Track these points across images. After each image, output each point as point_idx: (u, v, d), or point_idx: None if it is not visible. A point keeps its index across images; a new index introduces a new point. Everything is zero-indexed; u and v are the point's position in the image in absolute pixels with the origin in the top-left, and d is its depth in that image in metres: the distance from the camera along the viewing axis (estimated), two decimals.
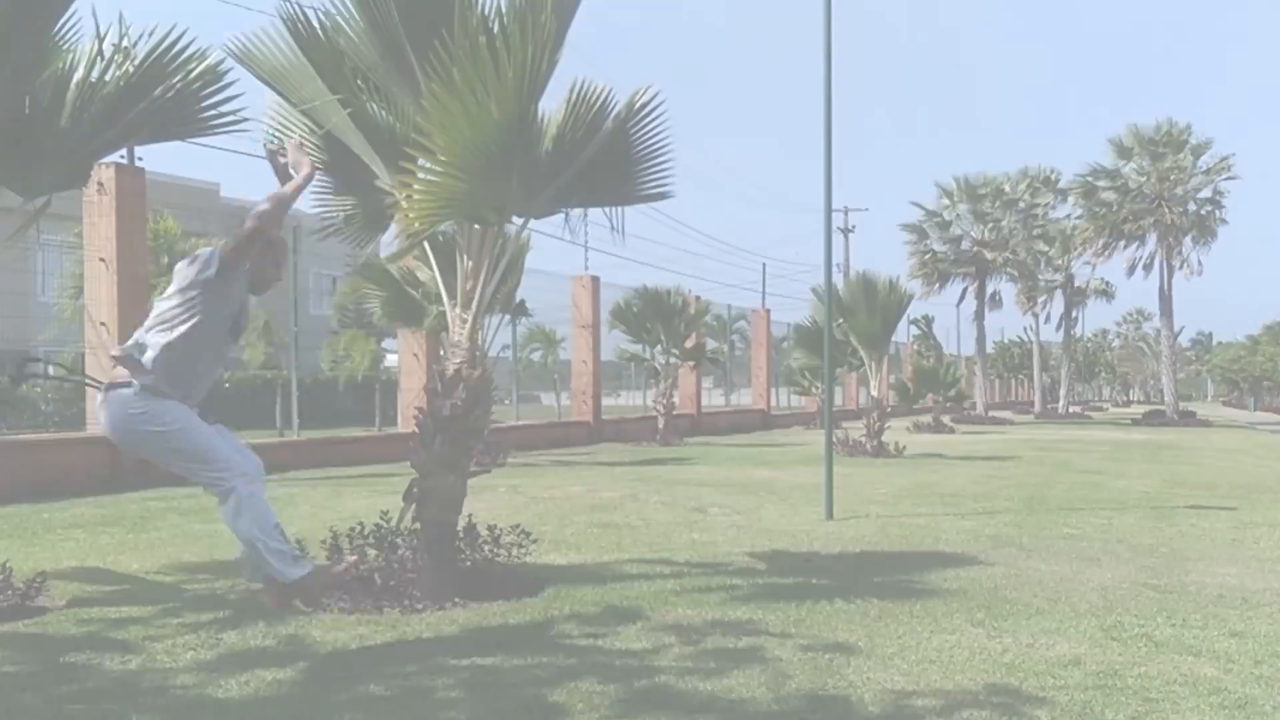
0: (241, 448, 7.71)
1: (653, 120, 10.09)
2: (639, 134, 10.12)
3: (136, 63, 9.11)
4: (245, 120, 9.77)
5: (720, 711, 6.27)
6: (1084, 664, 7.35)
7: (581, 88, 9.82)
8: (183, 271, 7.52)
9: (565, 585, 9.72)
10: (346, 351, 37.36)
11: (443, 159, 8.42)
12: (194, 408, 7.57)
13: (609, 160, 10.11)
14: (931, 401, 48.19)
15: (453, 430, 9.38)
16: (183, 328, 7.39)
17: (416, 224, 8.86)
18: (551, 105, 9.81)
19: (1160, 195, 56.69)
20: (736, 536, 12.91)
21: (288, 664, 7.24)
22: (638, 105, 9.99)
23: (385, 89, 9.34)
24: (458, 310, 9.61)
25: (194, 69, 9.27)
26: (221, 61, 9.39)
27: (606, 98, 9.89)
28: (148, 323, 7.54)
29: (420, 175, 8.72)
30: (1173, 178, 56.80)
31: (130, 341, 7.54)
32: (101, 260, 18.86)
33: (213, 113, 9.56)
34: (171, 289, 7.53)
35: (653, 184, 10.44)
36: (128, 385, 7.34)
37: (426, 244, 9.92)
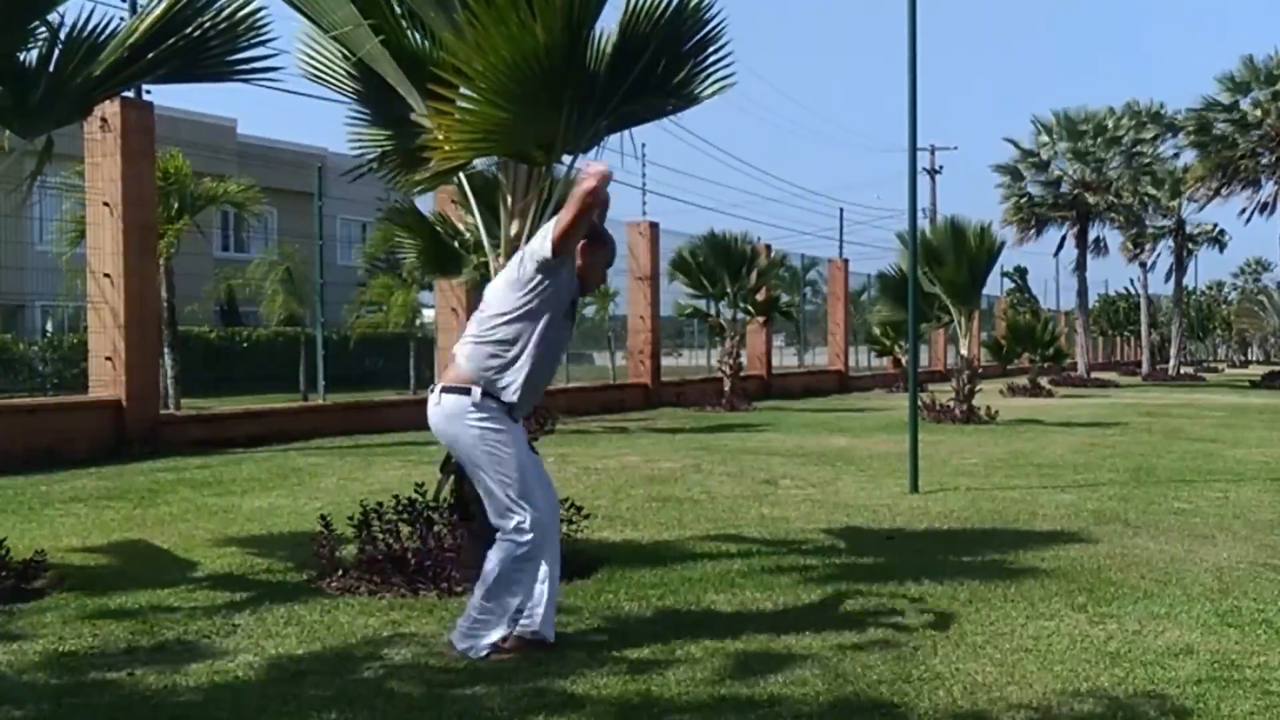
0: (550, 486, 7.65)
1: (706, 11, 9.90)
2: (693, 23, 9.90)
3: (165, 3, 9.15)
4: (276, 70, 9.82)
5: (792, 704, 6.26)
6: (1197, 653, 7.31)
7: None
8: (510, 275, 7.46)
9: (620, 566, 9.75)
10: (378, 303, 37.35)
11: (482, 85, 8.34)
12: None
13: (666, 62, 9.95)
14: (1027, 362, 47.96)
15: None
16: (534, 337, 7.36)
17: (452, 154, 8.80)
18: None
19: None
20: (810, 512, 12.89)
21: (312, 651, 7.28)
22: None
23: (421, 12, 9.31)
24: (501, 259, 9.56)
25: (226, 9, 9.31)
26: (261, 9, 9.42)
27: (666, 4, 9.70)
28: (480, 341, 7.44)
29: (459, 103, 8.65)
30: None
31: (467, 363, 7.43)
32: (105, 205, 18.83)
33: (241, 58, 9.61)
34: (502, 297, 7.45)
35: (714, 76, 10.19)
36: (465, 392, 7.33)
37: (468, 188, 9.90)
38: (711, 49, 10.03)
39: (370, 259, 38.76)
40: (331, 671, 6.86)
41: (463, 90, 8.50)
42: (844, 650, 7.32)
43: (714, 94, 10.33)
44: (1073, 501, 13.74)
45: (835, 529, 11.86)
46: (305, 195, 35.58)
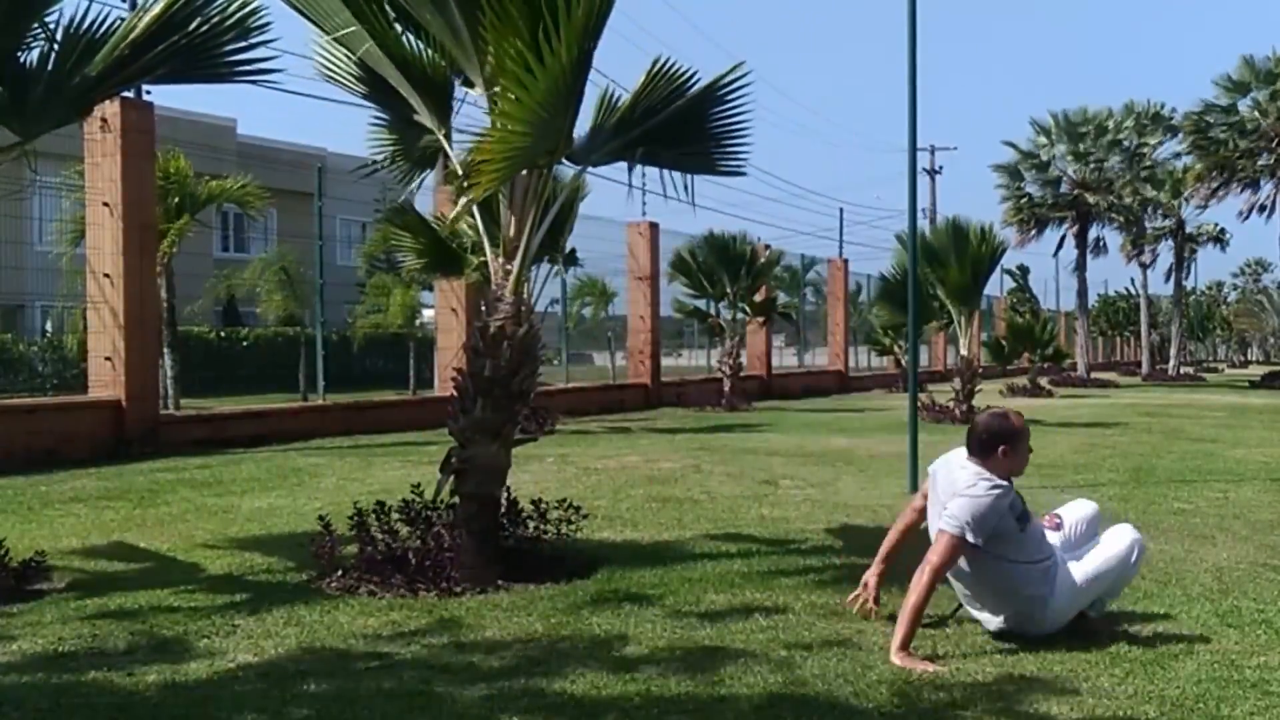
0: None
1: (735, 99, 10.20)
2: (719, 112, 10.23)
3: (163, 2, 9.12)
4: (276, 72, 9.80)
5: (792, 703, 6.27)
6: (1197, 653, 7.30)
7: (665, 65, 9.95)
8: None
9: (620, 566, 9.73)
10: (376, 303, 37.35)
11: (520, 116, 8.38)
12: None
13: (682, 132, 10.20)
14: (1027, 362, 47.99)
15: (495, 393, 9.36)
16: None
17: (487, 184, 8.81)
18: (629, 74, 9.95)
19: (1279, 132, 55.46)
20: (811, 512, 12.89)
21: (312, 652, 7.27)
22: (721, 84, 10.07)
23: (417, 15, 9.32)
24: (501, 260, 9.57)
25: (225, 9, 9.27)
26: (260, 9, 9.39)
27: (689, 78, 10.00)
28: None
29: (492, 132, 8.67)
30: None
31: None
32: (105, 205, 18.84)
33: (240, 59, 9.57)
34: None
35: (726, 160, 10.55)
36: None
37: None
38: (728, 139, 10.39)
39: (369, 259, 38.69)
40: (331, 671, 6.85)
41: (497, 122, 8.56)
42: (844, 651, 7.31)
43: (722, 174, 10.73)
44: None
45: (835, 529, 11.86)
46: (305, 195, 35.60)
